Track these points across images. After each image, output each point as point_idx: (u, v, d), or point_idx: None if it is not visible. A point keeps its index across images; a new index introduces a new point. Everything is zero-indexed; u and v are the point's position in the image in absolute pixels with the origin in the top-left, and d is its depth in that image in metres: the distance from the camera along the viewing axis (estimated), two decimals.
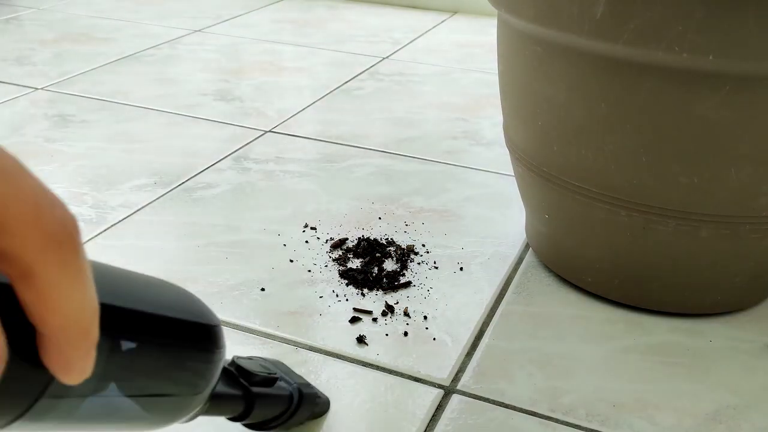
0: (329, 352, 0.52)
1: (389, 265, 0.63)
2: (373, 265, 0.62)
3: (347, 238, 0.66)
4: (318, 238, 0.66)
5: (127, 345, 0.26)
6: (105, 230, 0.67)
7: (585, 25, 0.47)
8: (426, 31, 1.38)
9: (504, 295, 0.60)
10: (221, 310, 0.56)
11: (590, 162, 0.52)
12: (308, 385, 0.45)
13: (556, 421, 0.47)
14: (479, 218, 0.71)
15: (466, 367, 0.52)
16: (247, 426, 0.41)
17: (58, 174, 0.77)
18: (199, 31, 1.32)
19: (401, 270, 0.62)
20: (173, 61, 1.15)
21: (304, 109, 0.98)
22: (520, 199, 0.66)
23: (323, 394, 0.47)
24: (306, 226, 0.68)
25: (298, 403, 0.42)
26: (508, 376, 0.51)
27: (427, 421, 0.47)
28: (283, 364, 0.46)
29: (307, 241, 0.66)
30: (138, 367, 0.27)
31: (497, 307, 0.58)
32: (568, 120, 0.52)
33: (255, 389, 0.39)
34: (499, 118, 0.93)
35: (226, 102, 0.99)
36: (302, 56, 1.20)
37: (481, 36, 1.36)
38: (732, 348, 0.55)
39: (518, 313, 0.58)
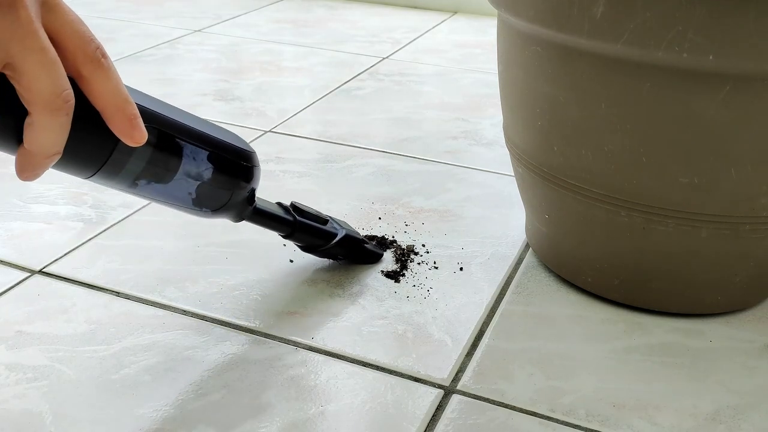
0: (329, 352, 0.52)
1: (389, 265, 0.63)
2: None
3: None
4: None
5: (186, 147, 0.44)
6: (105, 230, 0.67)
7: (585, 25, 0.47)
8: (426, 31, 1.38)
9: (504, 295, 0.60)
10: (221, 310, 0.56)
11: (590, 162, 0.52)
12: (363, 240, 0.62)
13: (556, 421, 0.47)
14: (479, 218, 0.71)
15: (466, 367, 0.52)
16: (301, 248, 0.60)
17: (58, 173, 0.77)
18: (199, 31, 1.32)
19: (401, 270, 0.62)
20: (173, 61, 1.16)
21: (304, 109, 0.98)
22: (520, 199, 0.66)
23: (379, 251, 0.63)
24: None
25: (340, 241, 0.59)
26: (508, 376, 0.51)
27: (427, 421, 0.47)
28: (346, 223, 0.63)
29: None
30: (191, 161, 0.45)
31: (497, 307, 0.58)
32: (568, 120, 0.52)
33: (301, 220, 0.56)
34: (499, 118, 0.93)
35: (226, 102, 0.99)
36: (302, 56, 1.20)
37: (481, 36, 1.36)
38: (732, 348, 0.55)
39: (518, 313, 0.58)
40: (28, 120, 0.34)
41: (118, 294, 0.58)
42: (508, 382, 0.50)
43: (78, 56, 0.35)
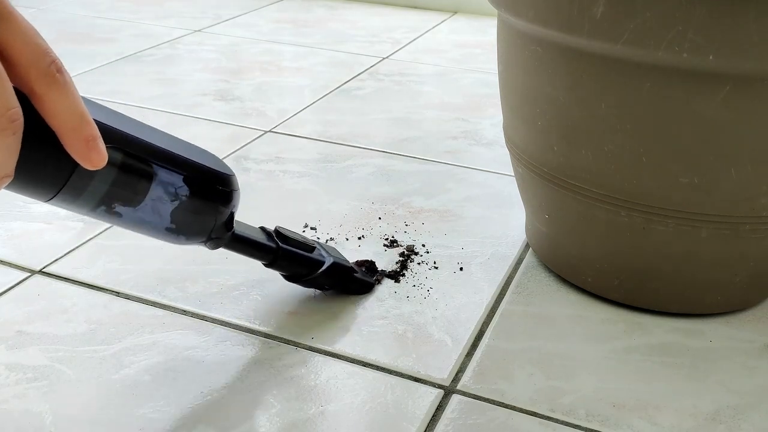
0: (329, 352, 0.52)
1: (389, 265, 0.63)
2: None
3: (347, 239, 0.66)
4: (318, 238, 0.66)
5: (156, 169, 0.41)
6: (105, 230, 0.67)
7: (585, 25, 0.47)
8: (426, 31, 1.38)
9: (504, 295, 0.60)
10: (221, 310, 0.56)
11: (590, 162, 0.52)
12: (352, 269, 0.57)
13: (556, 421, 0.47)
14: (479, 218, 0.71)
15: (466, 367, 0.52)
16: (285, 277, 0.56)
17: None
18: (199, 31, 1.32)
19: (401, 270, 0.62)
20: (173, 61, 1.16)
21: (304, 109, 0.98)
22: (520, 199, 0.66)
23: (369, 280, 0.59)
24: (306, 226, 0.68)
25: (326, 270, 0.55)
26: (508, 376, 0.51)
27: (427, 421, 0.47)
28: (335, 249, 0.59)
29: None
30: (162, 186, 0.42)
31: (497, 307, 0.58)
32: (568, 120, 0.52)
33: (284, 247, 0.53)
34: (499, 118, 0.93)
35: (226, 102, 0.99)
36: (302, 56, 1.20)
37: (481, 36, 1.36)
38: (732, 348, 0.55)
39: (518, 313, 0.58)
40: None
41: (118, 294, 0.58)
42: (508, 382, 0.50)
43: (31, 71, 0.32)
